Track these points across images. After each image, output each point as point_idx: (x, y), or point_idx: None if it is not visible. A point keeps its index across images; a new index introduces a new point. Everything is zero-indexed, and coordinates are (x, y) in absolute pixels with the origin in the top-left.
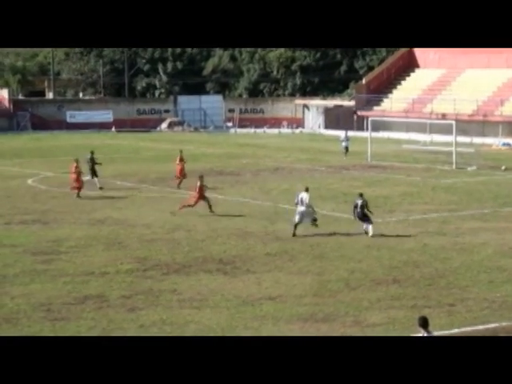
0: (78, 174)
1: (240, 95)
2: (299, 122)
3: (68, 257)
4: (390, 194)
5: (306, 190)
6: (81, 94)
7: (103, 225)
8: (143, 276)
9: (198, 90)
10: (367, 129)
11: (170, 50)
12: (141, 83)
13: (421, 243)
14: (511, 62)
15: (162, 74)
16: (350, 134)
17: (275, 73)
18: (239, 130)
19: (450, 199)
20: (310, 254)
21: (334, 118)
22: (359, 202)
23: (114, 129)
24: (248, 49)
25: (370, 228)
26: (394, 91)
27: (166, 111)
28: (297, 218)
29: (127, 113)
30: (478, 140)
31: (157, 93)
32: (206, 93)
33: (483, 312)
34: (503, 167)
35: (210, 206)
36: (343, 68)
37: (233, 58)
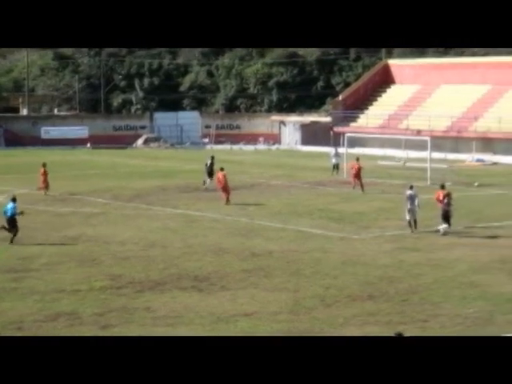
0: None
1: (217, 111)
2: (276, 138)
3: (39, 274)
4: (365, 210)
5: (411, 187)
6: (56, 110)
7: (77, 242)
8: (117, 293)
9: (175, 106)
10: (344, 145)
11: (146, 65)
12: (117, 99)
13: (396, 259)
14: (486, 77)
15: (138, 89)
16: (328, 149)
17: (252, 89)
18: (216, 146)
19: (424, 215)
20: (285, 271)
21: (310, 134)
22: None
23: (89, 145)
24: (225, 64)
25: (444, 227)
26: (370, 107)
27: (143, 127)
28: (407, 216)
29: (103, 129)
30: (452, 156)
31: (133, 109)
32: (183, 109)
33: (456, 328)
34: (476, 183)
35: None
36: (320, 84)
37: (210, 74)
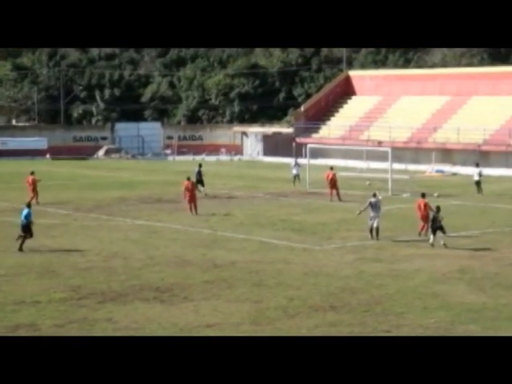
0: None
1: (178, 122)
2: (238, 149)
3: None
4: (327, 221)
5: (374, 195)
6: (14, 121)
7: (36, 253)
8: (77, 305)
9: (136, 117)
10: (306, 156)
11: (107, 76)
12: (77, 110)
13: (357, 270)
14: (444, 88)
15: (99, 100)
16: (289, 160)
17: (214, 100)
18: (178, 158)
19: (385, 226)
20: (248, 282)
21: (272, 145)
22: (436, 216)
23: (48, 156)
24: (186, 75)
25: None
26: (332, 118)
27: (103, 138)
28: (370, 223)
29: (63, 140)
30: (412, 167)
31: (94, 120)
32: (145, 120)
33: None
34: (436, 194)
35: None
36: (282, 95)
37: (171, 85)
